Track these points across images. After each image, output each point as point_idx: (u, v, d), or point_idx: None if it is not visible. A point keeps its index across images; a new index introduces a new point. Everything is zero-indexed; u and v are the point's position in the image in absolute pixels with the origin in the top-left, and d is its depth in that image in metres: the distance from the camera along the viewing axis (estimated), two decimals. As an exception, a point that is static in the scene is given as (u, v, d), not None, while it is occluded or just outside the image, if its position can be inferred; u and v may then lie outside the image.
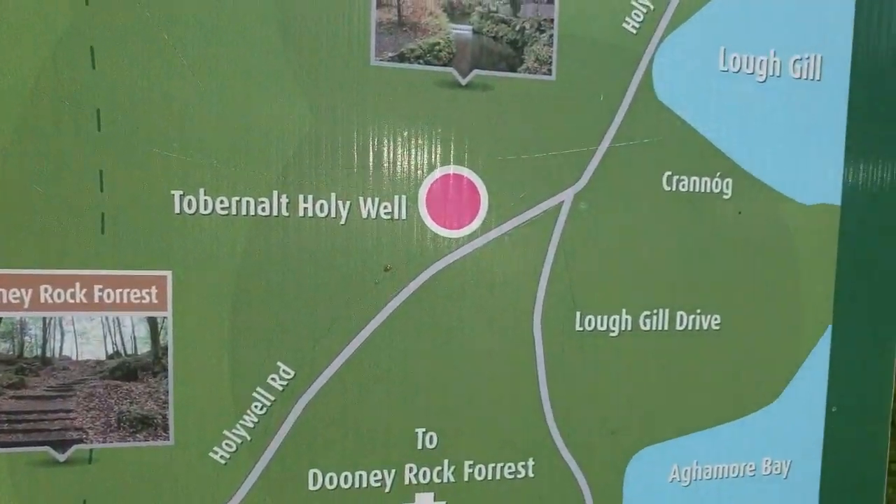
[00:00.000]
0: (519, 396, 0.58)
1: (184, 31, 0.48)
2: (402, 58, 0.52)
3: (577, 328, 0.58)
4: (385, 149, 0.53)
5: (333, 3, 0.51)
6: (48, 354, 0.48)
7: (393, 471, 0.55)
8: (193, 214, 0.50)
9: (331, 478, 0.54)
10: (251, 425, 0.52)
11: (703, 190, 0.60)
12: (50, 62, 0.47)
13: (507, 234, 0.56)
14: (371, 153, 0.53)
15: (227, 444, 0.52)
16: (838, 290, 0.65)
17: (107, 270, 0.49)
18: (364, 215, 0.53)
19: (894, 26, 0.64)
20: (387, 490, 0.55)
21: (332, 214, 0.52)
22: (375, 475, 0.55)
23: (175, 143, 0.49)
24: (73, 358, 0.48)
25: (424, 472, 0.56)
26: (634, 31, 0.57)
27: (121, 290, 0.49)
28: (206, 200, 0.50)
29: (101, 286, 0.49)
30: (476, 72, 0.54)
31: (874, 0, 0.63)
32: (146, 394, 0.50)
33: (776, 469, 0.66)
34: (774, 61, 0.61)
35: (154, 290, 0.50)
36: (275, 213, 0.51)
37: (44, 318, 0.48)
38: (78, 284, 0.48)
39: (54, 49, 0.47)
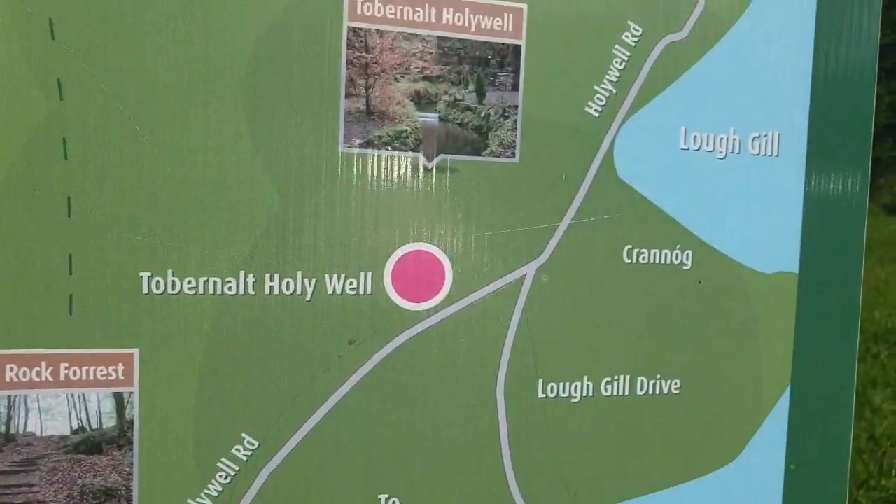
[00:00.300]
0: (482, 462, 0.59)
1: (155, 123, 0.50)
2: (369, 144, 0.54)
3: (540, 395, 0.60)
4: (351, 228, 0.54)
5: (302, 94, 0.52)
6: (12, 431, 0.49)
7: (357, 536, 0.57)
8: (161, 294, 0.51)
9: (294, 545, 0.55)
10: (215, 494, 0.54)
11: (663, 262, 0.62)
12: (23, 155, 0.48)
13: (470, 307, 0.58)
14: (337, 233, 0.54)
15: (192, 513, 0.53)
16: (796, 353, 0.67)
17: (73, 349, 0.50)
18: (329, 291, 0.54)
19: (848, 104, 0.66)
20: (350, 556, 0.57)
21: (298, 292, 0.54)
22: (339, 540, 0.57)
23: (144, 227, 0.50)
24: (38, 434, 0.50)
25: (388, 537, 0.58)
26: (597, 115, 0.59)
27: (87, 367, 0.50)
28: (174, 281, 0.51)
29: (67, 364, 0.50)
30: (442, 156, 0.56)
31: (829, 80, 0.65)
32: (110, 466, 0.51)
33: (736, 525, 0.68)
34: (734, 139, 0.63)
35: (121, 366, 0.51)
36: (241, 291, 0.53)
37: (9, 397, 0.49)
38: (44, 363, 0.50)
39: (28, 142, 0.48)
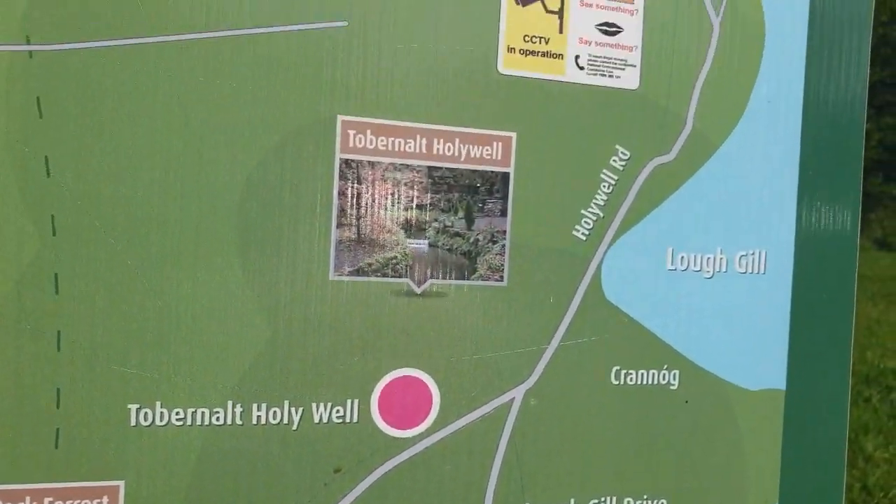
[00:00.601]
0: (468, 582, 0.59)
1: (146, 257, 0.50)
2: (359, 272, 0.55)
3: (526, 516, 0.60)
4: (340, 356, 0.55)
5: (293, 226, 0.53)
6: (-5, 569, 0.49)
7: None
8: (149, 426, 0.51)
9: None
10: None
11: (650, 382, 0.62)
12: (14, 289, 0.48)
13: (457, 432, 0.58)
14: (325, 360, 0.54)
15: None
16: (784, 470, 0.67)
17: (58, 483, 0.50)
18: (316, 420, 0.54)
19: (835, 223, 0.67)
20: None
21: (285, 421, 0.54)
22: None
23: (134, 360, 0.51)
24: (21, 570, 0.49)
25: None
26: (584, 238, 0.60)
27: (71, 501, 0.50)
28: (162, 413, 0.51)
29: (51, 499, 0.50)
30: (431, 281, 0.56)
31: (814, 198, 0.66)
32: None
33: None
34: (721, 258, 0.64)
35: (105, 499, 0.51)
36: (229, 422, 0.53)
37: (-7, 533, 0.49)
38: (28, 498, 0.49)
39: (19, 278, 0.48)
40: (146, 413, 0.51)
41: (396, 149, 0.55)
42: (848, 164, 0.67)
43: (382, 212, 0.55)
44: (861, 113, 0.67)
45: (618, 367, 0.61)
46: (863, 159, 0.68)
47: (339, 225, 0.54)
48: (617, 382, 0.61)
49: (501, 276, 0.58)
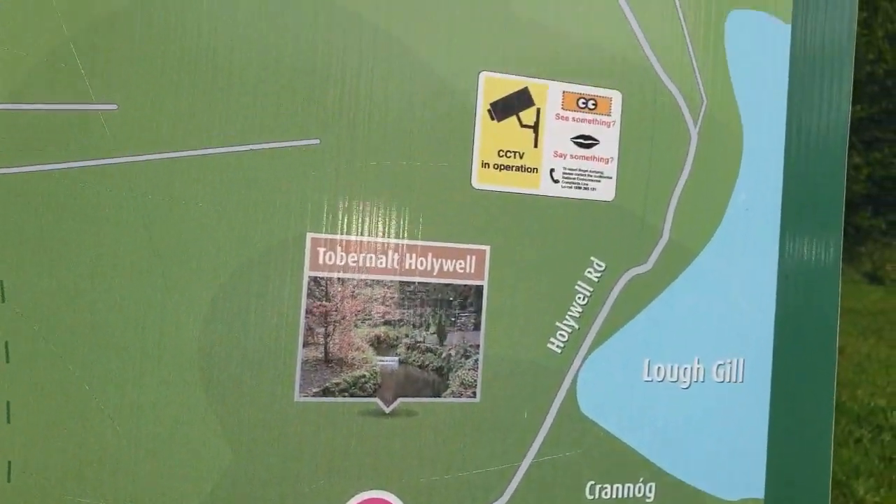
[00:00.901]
0: None
1: (106, 381, 0.49)
2: (326, 392, 0.53)
3: None
4: (304, 478, 0.53)
5: (258, 346, 0.52)
6: None
7: None
8: (102, 557, 0.49)
9: None
10: None
11: (625, 496, 0.61)
12: (-38, 424, 0.47)
13: (427, 550, 0.56)
14: (290, 484, 0.53)
15: None
16: (764, 578, 0.65)
17: None
18: (280, 545, 0.53)
19: (814, 331, 0.66)
20: None
21: (247, 547, 0.52)
22: None
23: (90, 489, 0.49)
24: None
25: None
26: (559, 351, 0.59)
27: None
28: (116, 543, 0.49)
29: None
30: (400, 400, 0.55)
31: (795, 306, 0.65)
32: None
33: None
34: (698, 368, 0.63)
35: None
36: (187, 550, 0.51)
37: None
38: None
39: (-32, 412, 0.47)
40: (100, 543, 0.49)
41: (367, 265, 0.54)
42: (826, 267, 0.67)
43: (351, 329, 0.54)
44: (839, 212, 0.67)
45: (592, 482, 0.60)
46: (841, 261, 0.67)
47: (306, 344, 0.53)
48: (591, 497, 0.60)
49: (474, 392, 0.57)
